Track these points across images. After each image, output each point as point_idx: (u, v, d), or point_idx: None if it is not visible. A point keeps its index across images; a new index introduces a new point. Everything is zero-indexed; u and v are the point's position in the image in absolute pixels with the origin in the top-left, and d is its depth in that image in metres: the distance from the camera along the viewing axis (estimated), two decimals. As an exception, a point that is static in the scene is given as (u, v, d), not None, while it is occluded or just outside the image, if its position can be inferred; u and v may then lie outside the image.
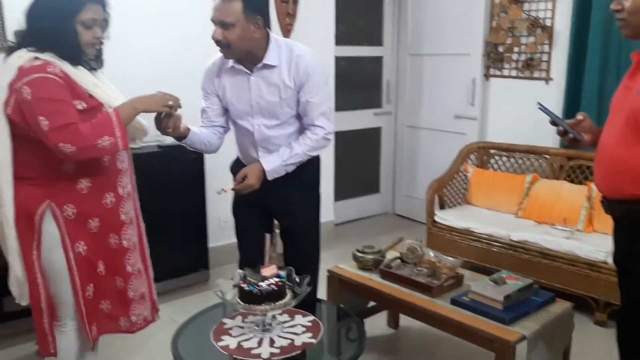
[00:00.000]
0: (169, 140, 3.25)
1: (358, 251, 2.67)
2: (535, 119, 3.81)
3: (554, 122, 1.86)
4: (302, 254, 2.47)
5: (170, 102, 2.02)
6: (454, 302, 2.28)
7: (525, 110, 3.97)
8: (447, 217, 3.64)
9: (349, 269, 2.65)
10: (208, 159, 3.38)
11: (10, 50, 1.88)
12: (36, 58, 1.81)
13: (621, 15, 1.70)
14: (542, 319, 2.17)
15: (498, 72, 4.18)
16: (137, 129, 2.10)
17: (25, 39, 1.86)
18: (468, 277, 2.51)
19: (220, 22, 2.12)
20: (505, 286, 2.26)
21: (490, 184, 3.79)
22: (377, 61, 4.92)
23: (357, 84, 4.86)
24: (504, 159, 3.96)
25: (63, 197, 1.91)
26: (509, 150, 3.92)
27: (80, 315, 2.01)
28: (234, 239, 2.61)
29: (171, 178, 3.28)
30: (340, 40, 4.39)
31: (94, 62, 1.99)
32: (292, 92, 2.27)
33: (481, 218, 3.59)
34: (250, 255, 2.47)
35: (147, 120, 2.14)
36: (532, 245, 3.21)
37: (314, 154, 2.37)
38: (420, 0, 4.61)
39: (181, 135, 2.23)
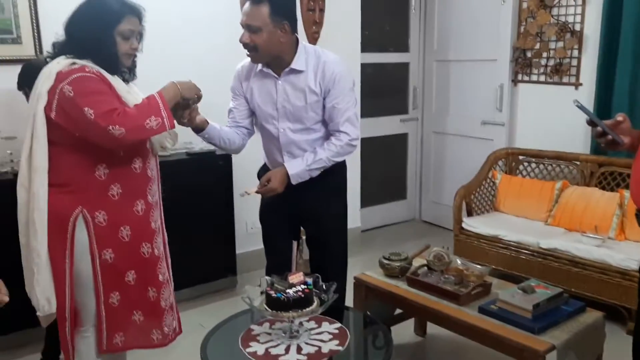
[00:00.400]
0: (198, 147, 3.33)
1: (384, 258, 2.67)
2: (565, 124, 3.79)
3: (591, 122, 1.73)
4: (329, 261, 2.48)
5: (201, 93, 2.06)
6: (482, 310, 2.26)
7: (554, 116, 3.94)
8: (474, 224, 3.61)
9: (376, 276, 2.65)
10: (236, 165, 3.43)
11: (48, 59, 1.93)
12: (74, 63, 1.86)
13: None
14: (573, 329, 2.14)
15: (526, 78, 4.13)
16: (167, 137, 2.11)
17: (64, 48, 1.91)
18: (496, 285, 2.48)
19: (247, 26, 2.17)
20: (535, 295, 2.23)
21: (519, 191, 3.74)
22: (404, 67, 4.91)
23: (384, 90, 4.86)
24: (533, 165, 3.91)
25: (94, 203, 1.93)
26: (538, 156, 3.86)
27: (99, 322, 2.00)
28: (261, 245, 2.63)
29: (199, 184, 3.33)
30: (366, 46, 4.39)
31: (128, 74, 2.04)
32: (317, 97, 2.29)
33: (509, 225, 3.55)
34: (277, 262, 2.50)
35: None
36: (562, 253, 3.15)
37: (338, 159, 2.38)
38: (447, 6, 4.59)
39: (198, 127, 2.25)
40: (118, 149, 1.91)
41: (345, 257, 2.58)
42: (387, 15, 4.78)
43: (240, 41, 2.21)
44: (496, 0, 4.13)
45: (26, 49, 2.88)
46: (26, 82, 2.39)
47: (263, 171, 2.54)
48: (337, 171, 2.44)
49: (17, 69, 2.85)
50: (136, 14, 1.96)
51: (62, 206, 1.91)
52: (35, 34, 2.90)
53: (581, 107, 1.72)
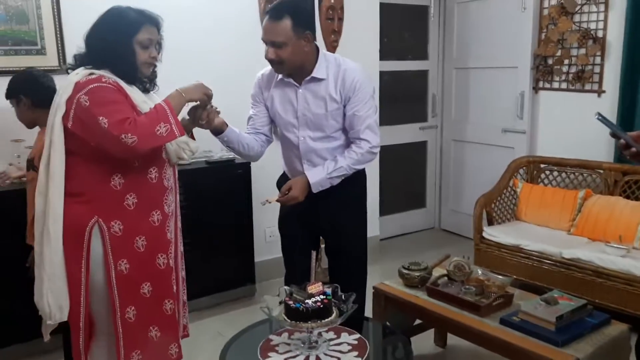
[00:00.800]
0: (217, 155, 3.35)
1: (404, 268, 2.64)
2: (588, 132, 3.74)
3: (614, 134, 1.68)
4: (349, 271, 2.47)
5: (210, 92, 2.05)
6: (504, 321, 2.23)
7: (576, 124, 3.88)
8: (495, 234, 3.56)
9: (395, 286, 2.63)
10: (255, 174, 3.44)
11: (70, 71, 1.97)
12: (92, 73, 1.88)
13: None
14: (597, 342, 2.09)
15: (547, 85, 4.09)
16: (185, 149, 2.09)
17: (84, 60, 1.94)
18: (518, 296, 2.45)
19: (272, 42, 2.17)
20: (558, 306, 2.19)
21: (541, 200, 3.69)
22: (423, 75, 4.89)
23: (403, 98, 4.84)
24: (555, 173, 3.85)
25: (110, 213, 1.93)
26: (560, 164, 3.81)
27: (116, 336, 1.97)
28: (280, 254, 2.64)
29: (218, 193, 3.35)
30: (385, 54, 4.39)
31: (148, 84, 2.06)
32: (338, 105, 2.30)
33: (531, 234, 3.49)
34: (296, 272, 2.49)
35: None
36: (586, 264, 3.10)
37: (359, 167, 2.37)
38: (466, 14, 4.57)
39: (217, 129, 2.24)
40: (133, 159, 1.92)
41: (364, 266, 2.57)
42: (406, 24, 4.78)
43: (266, 58, 2.21)
44: (516, 7, 4.10)
45: (50, 60, 2.93)
46: (18, 91, 2.42)
47: (282, 180, 2.54)
48: (356, 180, 2.43)
49: (41, 79, 2.91)
50: (154, 23, 1.97)
51: (78, 215, 1.91)
52: (59, 45, 2.95)
53: (603, 120, 1.67)
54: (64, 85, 1.88)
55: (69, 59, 2.96)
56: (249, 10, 3.58)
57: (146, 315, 2.01)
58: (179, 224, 2.21)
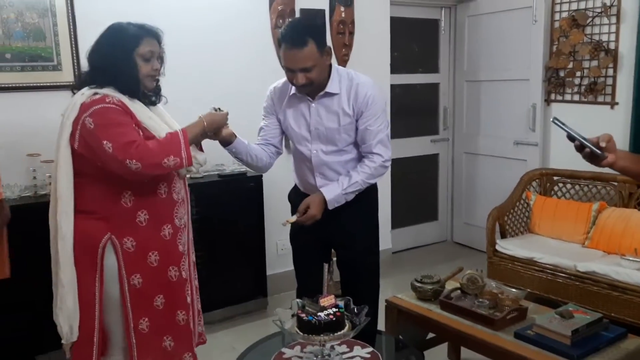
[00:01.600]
0: (229, 169, 3.37)
1: (417, 281, 2.63)
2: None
3: (570, 137, 1.65)
4: (361, 284, 2.46)
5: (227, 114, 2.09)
6: (518, 335, 2.20)
7: (589, 136, 3.85)
8: (508, 246, 3.54)
9: (408, 299, 2.62)
10: (267, 187, 3.45)
11: (75, 91, 1.99)
12: (95, 93, 1.89)
13: None
14: (613, 356, 2.06)
15: (559, 97, 4.07)
16: (193, 162, 2.05)
17: (88, 78, 1.96)
18: (532, 310, 2.42)
19: (302, 69, 2.16)
20: (573, 320, 2.16)
21: (554, 212, 3.66)
22: (434, 88, 4.90)
23: (414, 110, 4.85)
24: (568, 186, 3.82)
25: (123, 230, 1.95)
26: (573, 177, 3.78)
27: (129, 349, 1.99)
28: (292, 267, 2.64)
29: (230, 206, 3.37)
30: (396, 67, 4.41)
31: (154, 96, 2.08)
32: (350, 119, 2.31)
33: (545, 247, 3.47)
34: (308, 284, 2.49)
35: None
36: (601, 277, 3.06)
37: (373, 181, 2.38)
38: (477, 26, 4.58)
39: (225, 140, 2.24)
40: (136, 180, 1.93)
41: (377, 279, 2.56)
42: (416, 37, 4.79)
43: (296, 84, 2.20)
44: (527, 20, 4.11)
45: (66, 76, 2.98)
46: None
47: (294, 193, 2.56)
48: (368, 193, 2.43)
49: (57, 94, 2.97)
50: (154, 36, 1.99)
51: (91, 232, 1.94)
52: (75, 61, 2.99)
53: (558, 123, 1.68)
54: (70, 106, 1.91)
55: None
56: (260, 25, 3.61)
57: (160, 326, 2.04)
58: (191, 236, 2.22)
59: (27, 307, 2.72)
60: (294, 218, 2.29)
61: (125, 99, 1.92)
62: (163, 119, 2.07)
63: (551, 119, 1.74)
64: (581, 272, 3.15)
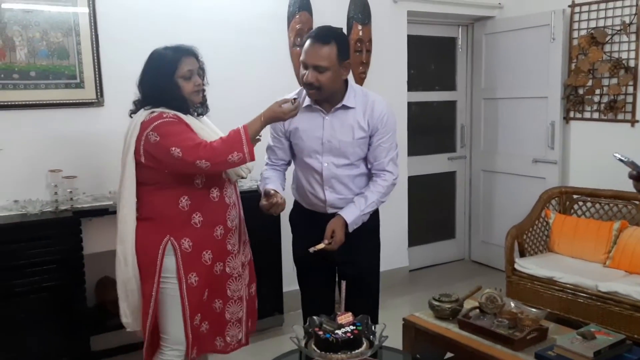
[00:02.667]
0: (247, 186, 3.39)
1: (434, 299, 2.61)
2: (622, 163, 3.65)
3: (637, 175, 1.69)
4: (364, 301, 2.42)
5: (292, 106, 2.15)
6: (539, 356, 2.17)
7: (609, 154, 3.78)
8: (528, 265, 3.49)
9: (425, 318, 2.59)
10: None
11: (132, 115, 2.19)
12: (153, 112, 2.10)
13: None
14: (638, 379, 2.02)
15: (579, 115, 4.04)
16: (243, 168, 2.27)
17: (141, 104, 2.17)
18: (553, 330, 2.38)
19: (314, 66, 2.19)
20: (595, 341, 2.12)
21: (574, 231, 3.61)
22: (451, 105, 4.90)
23: (431, 128, 4.85)
24: (588, 204, 3.78)
25: (180, 232, 2.14)
26: (594, 195, 3.74)
27: (187, 343, 2.18)
28: (308, 285, 2.62)
29: (247, 223, 3.33)
30: (413, 85, 4.42)
31: (201, 108, 2.26)
32: (365, 134, 2.32)
33: (565, 267, 3.41)
34: (315, 304, 2.49)
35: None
36: (623, 297, 3.00)
37: (385, 200, 2.40)
38: (494, 44, 4.58)
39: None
40: (209, 174, 2.14)
41: (377, 296, 2.55)
42: (433, 55, 4.81)
43: (305, 81, 2.23)
44: (545, 38, 4.10)
45: (88, 93, 3.03)
46: None
47: (296, 214, 2.56)
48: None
49: (79, 111, 3.04)
50: (191, 54, 2.17)
51: (152, 236, 2.14)
52: (97, 79, 3.05)
53: (620, 158, 1.70)
54: (132, 126, 2.12)
55: (106, 92, 3.11)
56: (279, 44, 3.65)
57: (205, 315, 2.25)
58: (244, 237, 2.42)
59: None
60: (321, 245, 2.26)
61: (178, 114, 2.14)
62: (210, 128, 2.26)
63: (614, 156, 1.76)
64: (603, 292, 3.09)
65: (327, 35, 2.22)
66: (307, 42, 2.22)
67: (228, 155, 2.03)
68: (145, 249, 2.14)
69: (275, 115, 2.15)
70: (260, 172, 2.53)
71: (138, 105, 2.20)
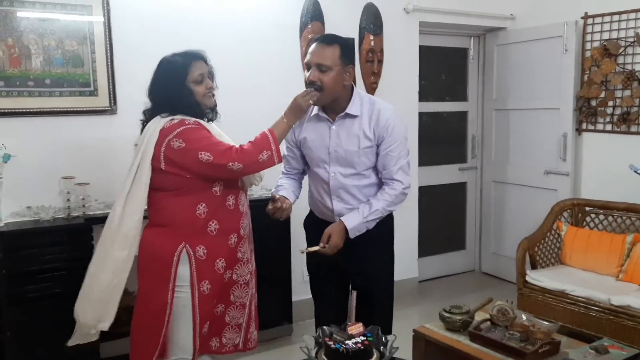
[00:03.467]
0: (257, 194, 3.39)
1: (445, 311, 2.59)
2: (635, 174, 3.63)
3: None
4: (376, 312, 2.41)
5: (309, 95, 2.18)
6: (551, 370, 2.15)
7: (622, 166, 3.78)
8: (539, 278, 3.46)
9: (436, 330, 2.57)
10: (293, 212, 3.42)
11: (144, 124, 2.18)
12: (172, 119, 2.10)
13: None
14: (652, 395, 1.99)
15: (591, 127, 4.02)
16: (256, 176, 2.32)
17: (154, 112, 2.15)
18: (565, 344, 2.35)
19: (317, 65, 2.22)
20: (608, 355, 2.10)
21: (587, 244, 3.57)
22: (462, 116, 4.89)
23: (442, 139, 4.84)
24: (601, 217, 3.74)
25: (196, 239, 2.13)
26: (606, 207, 3.70)
27: (193, 351, 2.17)
28: (318, 294, 2.62)
29: (256, 231, 3.32)
30: (424, 95, 4.42)
31: (211, 113, 2.25)
32: (371, 143, 2.31)
33: (577, 279, 3.38)
34: (326, 312, 2.48)
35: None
36: (636, 311, 2.96)
37: (393, 209, 2.37)
38: (506, 55, 4.57)
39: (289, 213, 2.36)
40: (225, 179, 2.17)
41: (391, 308, 2.53)
42: (445, 65, 4.81)
43: (308, 80, 2.25)
44: (557, 49, 4.09)
45: (102, 101, 3.06)
46: None
47: (309, 221, 2.55)
48: (384, 222, 2.41)
49: (93, 119, 3.06)
50: (200, 57, 2.18)
51: (167, 243, 2.12)
52: (111, 87, 3.08)
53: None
54: (149, 133, 2.10)
55: (119, 100, 3.12)
56: (291, 53, 3.67)
57: (211, 322, 2.24)
58: (252, 246, 2.41)
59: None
60: (316, 247, 2.28)
61: (199, 120, 2.15)
62: (221, 135, 2.27)
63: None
64: (615, 306, 3.05)
65: (331, 37, 2.29)
66: (312, 44, 2.28)
67: (258, 155, 2.08)
68: (158, 255, 2.12)
69: (295, 107, 2.20)
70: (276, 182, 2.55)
71: (148, 114, 2.19)
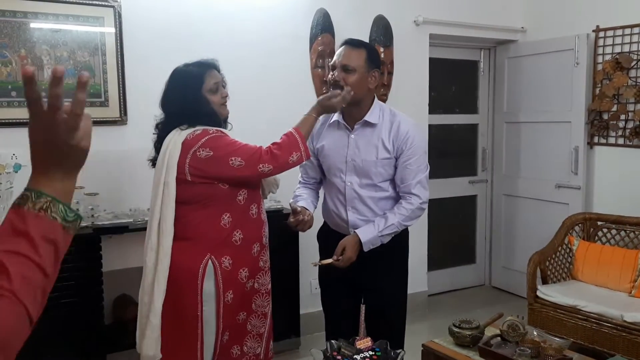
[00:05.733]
0: (265, 206, 3.36)
1: (455, 326, 2.55)
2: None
3: None
4: (388, 329, 2.38)
5: (338, 93, 2.18)
6: (563, 388, 2.10)
7: (635, 180, 3.75)
8: (551, 293, 3.41)
9: (445, 345, 2.53)
10: (302, 225, 3.44)
11: (159, 140, 2.15)
12: (195, 130, 2.07)
13: None
14: (668, 415, 1.94)
15: (603, 140, 3.99)
16: (272, 183, 2.32)
17: (168, 125, 2.12)
18: (577, 361, 2.31)
19: (343, 66, 2.23)
20: (622, 374, 2.05)
21: (599, 259, 3.53)
22: (472, 129, 4.87)
23: (452, 151, 4.82)
24: (613, 231, 3.69)
25: (221, 250, 2.11)
26: (619, 222, 3.65)
27: (214, 358, 2.15)
28: (325, 307, 2.60)
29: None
30: (434, 107, 4.41)
31: (224, 123, 2.23)
32: (389, 155, 2.29)
33: (589, 295, 3.33)
34: (338, 326, 2.45)
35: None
36: (650, 328, 2.91)
37: (409, 223, 2.34)
38: (517, 68, 4.56)
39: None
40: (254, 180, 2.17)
41: (403, 327, 2.49)
42: (455, 77, 4.80)
43: (333, 80, 2.25)
44: (568, 62, 4.07)
45: (112, 112, 3.08)
46: None
47: (323, 233, 2.53)
48: (399, 236, 2.38)
49: (103, 129, 3.07)
50: (214, 67, 2.17)
51: (193, 256, 2.09)
52: (121, 98, 3.09)
53: None
54: (170, 147, 2.06)
55: (130, 111, 3.13)
56: (301, 65, 3.68)
57: (232, 334, 2.21)
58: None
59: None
60: (329, 260, 2.25)
61: (220, 129, 2.13)
62: None
63: None
64: (628, 322, 3.00)
65: (358, 41, 2.31)
66: (340, 47, 2.30)
67: (288, 157, 2.07)
68: (184, 268, 2.08)
69: (327, 108, 2.20)
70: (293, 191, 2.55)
71: (161, 126, 2.17)
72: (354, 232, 2.28)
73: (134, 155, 3.09)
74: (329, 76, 2.30)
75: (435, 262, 4.55)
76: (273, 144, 2.11)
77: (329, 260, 2.25)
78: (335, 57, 2.29)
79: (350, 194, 2.34)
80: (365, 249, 2.25)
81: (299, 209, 2.27)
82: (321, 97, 2.22)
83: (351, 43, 2.28)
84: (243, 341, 2.28)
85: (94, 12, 3.00)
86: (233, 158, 2.02)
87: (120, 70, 3.09)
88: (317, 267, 2.38)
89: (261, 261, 2.27)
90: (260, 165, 2.03)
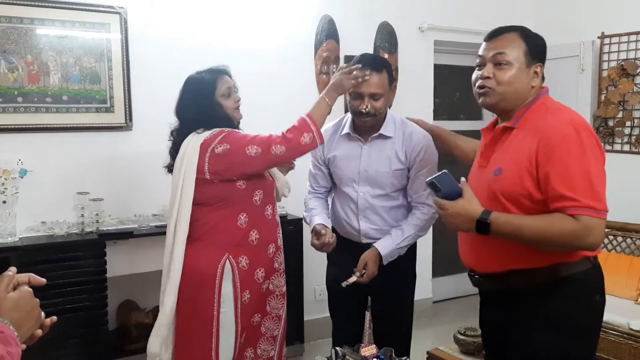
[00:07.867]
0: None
1: (460, 333, 2.55)
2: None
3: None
4: (395, 336, 2.38)
5: (353, 77, 2.15)
6: (569, 396, 2.08)
7: (641, 187, 3.73)
8: (555, 300, 3.39)
9: (450, 352, 2.53)
10: (306, 230, 3.43)
11: (174, 146, 2.17)
12: (212, 132, 2.10)
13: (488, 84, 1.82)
14: None
15: (609, 147, 3.97)
16: (285, 187, 2.34)
17: (183, 131, 2.15)
18: (583, 369, 2.29)
19: (371, 95, 2.19)
20: (629, 383, 2.04)
21: (603, 266, 3.41)
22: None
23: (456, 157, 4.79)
24: (619, 239, 3.68)
25: (238, 249, 2.13)
26: (624, 229, 3.64)
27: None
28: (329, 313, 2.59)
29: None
30: (438, 113, 4.41)
31: (237, 126, 2.25)
32: (402, 166, 2.29)
33: (595, 303, 3.31)
34: (344, 332, 2.44)
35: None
36: (657, 337, 2.89)
37: (423, 234, 2.35)
38: (522, 74, 4.54)
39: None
40: (271, 167, 2.18)
41: (410, 333, 2.49)
42: (459, 83, 4.79)
43: (362, 110, 2.20)
44: (573, 69, 4.06)
45: (118, 118, 3.09)
46: None
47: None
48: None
49: (108, 135, 3.08)
50: (225, 72, 2.21)
51: (210, 257, 2.11)
52: (127, 104, 3.10)
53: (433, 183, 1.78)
54: (188, 150, 2.08)
55: (135, 116, 3.15)
56: (305, 71, 3.69)
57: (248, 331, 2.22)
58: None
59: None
60: (353, 278, 2.23)
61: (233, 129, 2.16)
62: None
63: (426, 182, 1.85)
64: (635, 330, 2.98)
65: (379, 63, 2.23)
66: (364, 72, 2.18)
67: (300, 137, 2.06)
68: (202, 269, 2.10)
69: (338, 86, 2.16)
70: (303, 200, 2.53)
71: (177, 133, 2.19)
72: (373, 246, 2.27)
73: (139, 161, 3.10)
74: (354, 104, 2.23)
75: (440, 268, 4.53)
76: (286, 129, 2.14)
77: (353, 279, 2.22)
78: (360, 86, 2.18)
79: (363, 204, 2.34)
80: (385, 262, 2.25)
81: (323, 231, 2.24)
82: (332, 79, 2.22)
83: (375, 67, 2.19)
84: (257, 344, 2.29)
85: (100, 19, 3.02)
86: (249, 147, 2.05)
87: (125, 76, 3.10)
88: (327, 274, 2.36)
89: (276, 262, 2.28)
90: (273, 147, 2.04)
